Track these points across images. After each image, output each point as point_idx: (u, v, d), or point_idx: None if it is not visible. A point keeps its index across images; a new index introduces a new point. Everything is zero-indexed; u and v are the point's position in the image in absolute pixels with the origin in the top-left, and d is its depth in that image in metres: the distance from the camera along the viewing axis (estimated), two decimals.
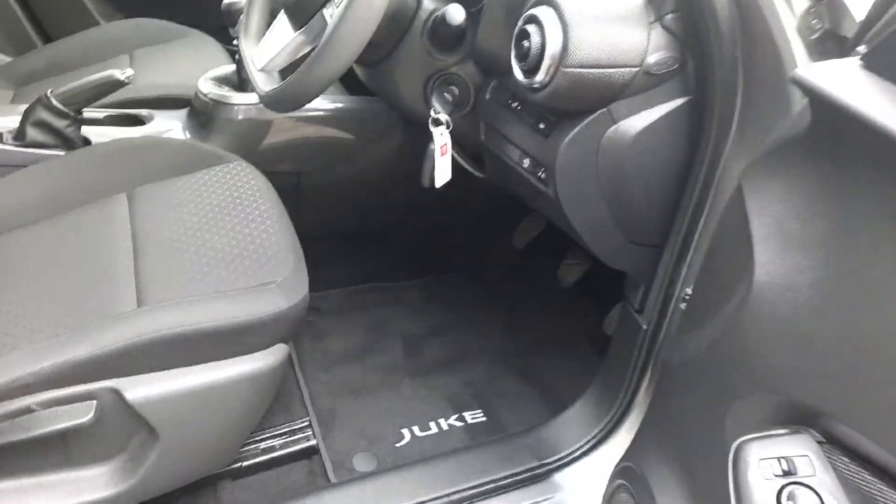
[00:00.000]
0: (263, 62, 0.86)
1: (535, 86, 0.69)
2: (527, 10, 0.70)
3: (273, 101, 0.80)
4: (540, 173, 0.77)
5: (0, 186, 0.99)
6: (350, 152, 1.28)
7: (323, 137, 1.23)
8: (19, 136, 1.07)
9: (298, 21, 0.82)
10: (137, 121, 1.21)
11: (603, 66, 0.69)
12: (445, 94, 0.85)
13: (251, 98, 1.19)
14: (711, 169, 0.73)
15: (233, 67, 1.27)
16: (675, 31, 0.71)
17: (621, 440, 0.86)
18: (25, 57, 1.59)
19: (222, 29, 1.80)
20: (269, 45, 0.88)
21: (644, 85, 0.71)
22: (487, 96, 0.85)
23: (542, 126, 0.76)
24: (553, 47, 0.67)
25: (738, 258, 0.53)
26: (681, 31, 0.71)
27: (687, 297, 0.74)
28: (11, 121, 1.10)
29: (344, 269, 1.39)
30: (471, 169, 0.96)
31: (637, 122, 0.74)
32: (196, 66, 1.51)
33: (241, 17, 1.15)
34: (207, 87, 1.21)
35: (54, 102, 1.06)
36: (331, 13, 0.75)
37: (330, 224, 1.35)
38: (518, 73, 0.72)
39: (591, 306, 1.25)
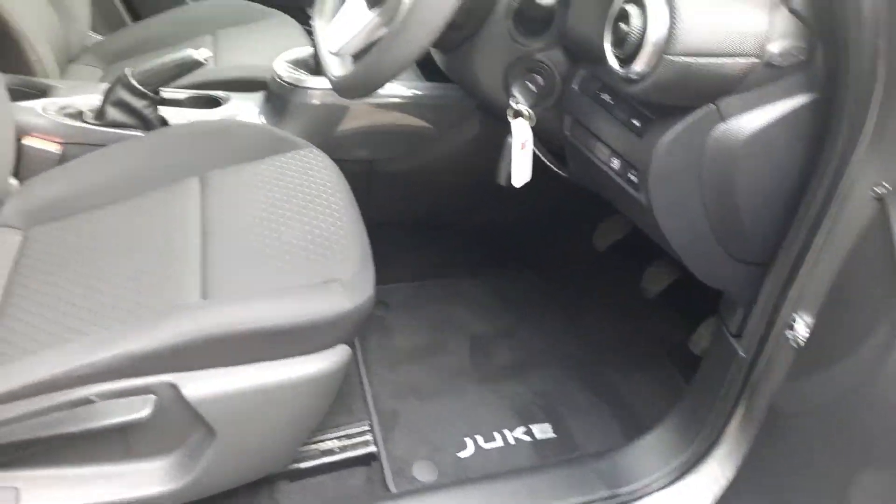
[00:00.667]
0: (336, 45, 0.81)
1: (633, 76, 0.61)
2: None
3: (344, 88, 0.75)
4: (631, 176, 0.68)
5: (77, 166, 1.00)
6: (424, 141, 1.23)
7: (397, 125, 1.19)
8: (99, 115, 1.08)
9: (373, 0, 0.77)
10: (215, 102, 1.20)
11: (715, 55, 0.60)
12: (528, 83, 0.77)
13: (327, 83, 1.15)
14: (836, 178, 0.63)
15: (310, 50, 1.24)
16: (805, 15, 0.61)
17: (704, 478, 0.76)
18: (115, 35, 1.62)
19: (304, 11, 1.80)
20: (342, 26, 0.83)
21: (763, 78, 0.61)
22: (575, 87, 0.77)
23: (636, 122, 0.67)
24: (656, 32, 0.58)
25: (879, 289, 0.44)
26: (811, 15, 0.61)
27: (793, 324, 0.64)
28: (94, 99, 1.11)
29: (411, 262, 1.35)
30: (552, 165, 0.88)
31: (751, 122, 0.64)
32: (276, 48, 1.49)
33: None
34: (283, 70, 1.18)
35: (133, 82, 1.06)
36: None
37: (399, 214, 1.31)
38: (612, 62, 0.63)
39: (676, 320, 1.15)
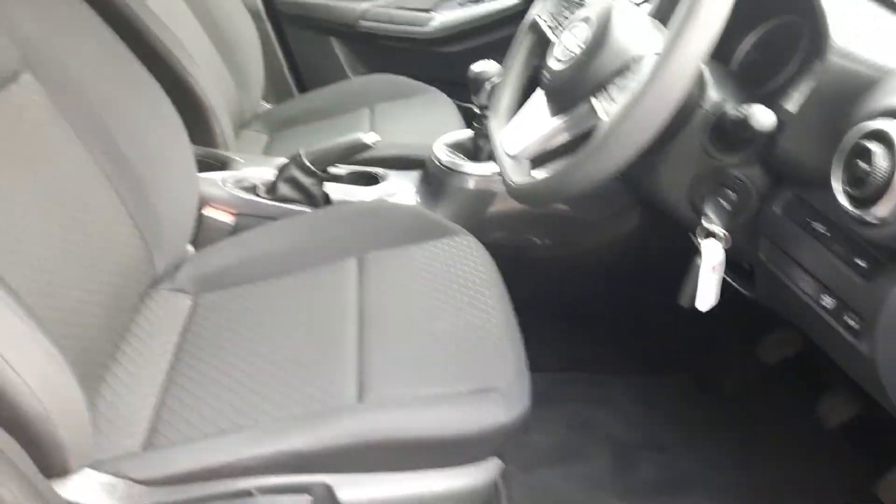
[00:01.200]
0: (514, 148, 0.79)
1: (871, 220, 0.54)
2: (868, 121, 0.56)
3: (526, 196, 0.73)
4: (849, 320, 0.60)
5: (247, 237, 1.06)
6: (578, 229, 1.19)
7: (553, 211, 1.17)
8: (271, 189, 1.14)
9: (559, 106, 0.75)
10: (374, 179, 1.24)
11: None
12: (721, 199, 0.72)
13: (483, 168, 1.16)
14: None
15: (468, 133, 1.25)
16: None
17: None
18: (282, 105, 1.74)
19: (457, 85, 1.85)
20: (521, 128, 0.82)
21: None
22: (777, 210, 0.70)
23: (861, 263, 0.59)
24: None
25: None
26: None
27: None
28: (267, 173, 1.18)
29: (554, 352, 1.29)
30: (737, 286, 0.81)
31: None
32: (431, 125, 1.54)
33: (486, 84, 1.14)
34: (442, 153, 1.20)
35: (305, 162, 1.11)
36: (604, 107, 0.67)
37: (545, 300, 1.27)
38: (843, 200, 0.56)
39: (860, 459, 1.01)
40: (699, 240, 0.70)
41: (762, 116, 0.62)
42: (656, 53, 0.68)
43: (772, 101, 0.70)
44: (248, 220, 1.12)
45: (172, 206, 0.97)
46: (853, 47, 0.64)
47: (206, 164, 1.17)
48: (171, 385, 0.81)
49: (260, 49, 1.63)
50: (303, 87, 1.86)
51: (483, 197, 1.17)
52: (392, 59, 1.84)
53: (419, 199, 1.21)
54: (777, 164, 0.69)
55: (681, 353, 1.26)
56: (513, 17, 1.78)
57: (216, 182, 1.13)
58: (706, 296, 0.70)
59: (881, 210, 0.53)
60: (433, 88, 1.69)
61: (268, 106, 1.75)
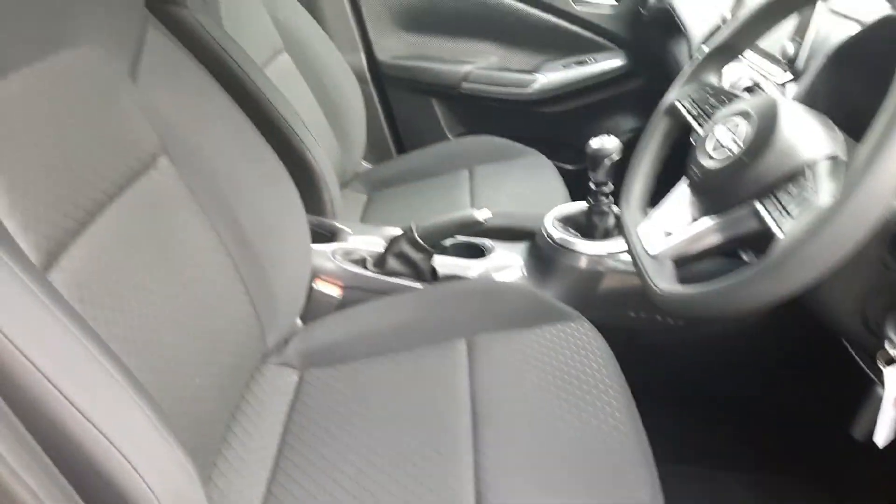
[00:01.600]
0: (655, 247, 0.74)
1: None
2: None
3: (676, 308, 0.67)
4: None
5: (355, 313, 1.04)
6: None
7: None
8: (380, 263, 1.12)
9: (711, 206, 0.69)
10: (479, 251, 1.20)
11: None
12: None
13: (597, 247, 1.10)
14: None
15: (580, 207, 1.20)
16: None
17: None
18: (382, 165, 1.74)
19: (556, 144, 1.82)
20: (662, 224, 0.77)
21: None
22: None
23: None
24: None
25: None
26: None
27: None
28: (376, 244, 1.17)
29: (668, 442, 1.20)
30: None
31: None
32: (533, 190, 1.51)
33: (606, 160, 1.08)
34: (552, 229, 1.15)
35: (416, 237, 1.09)
36: (774, 217, 0.60)
37: (659, 385, 1.19)
38: None
39: None
40: (881, 366, 0.62)
41: None
42: (830, 158, 0.61)
43: None
44: (355, 293, 1.10)
45: (287, 281, 0.97)
46: None
47: (316, 234, 1.16)
48: (279, 474, 0.79)
49: (363, 110, 1.65)
50: (401, 147, 1.87)
51: (596, 276, 1.11)
52: (491, 119, 1.83)
53: (526, 274, 1.16)
54: None
55: (802, 448, 1.14)
56: (615, 80, 1.74)
57: (326, 254, 1.13)
58: (886, 430, 0.61)
59: None
60: (533, 150, 1.65)
61: (367, 166, 1.76)
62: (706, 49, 1.12)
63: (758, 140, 0.64)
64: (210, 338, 0.79)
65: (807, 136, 0.63)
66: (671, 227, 0.76)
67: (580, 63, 1.74)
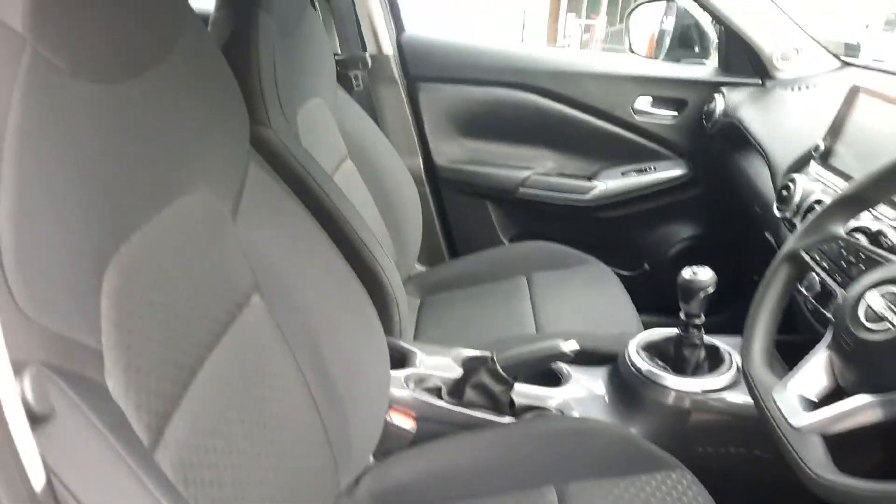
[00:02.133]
0: (798, 419, 0.67)
1: None
2: None
3: (838, 498, 0.59)
4: None
5: (433, 450, 0.97)
6: None
7: None
8: (457, 393, 1.05)
9: (874, 382, 0.63)
10: (556, 377, 1.13)
11: None
12: None
13: (690, 384, 1.03)
14: None
15: (666, 334, 1.13)
16: None
17: None
18: (436, 269, 1.70)
19: (612, 250, 1.78)
20: (802, 390, 0.70)
21: None
22: None
23: None
24: None
25: None
26: None
27: None
28: (445, 367, 1.11)
29: None
30: None
31: None
32: (599, 304, 1.44)
33: (701, 293, 1.03)
34: (638, 359, 1.09)
35: (498, 369, 1.02)
36: None
37: None
38: None
39: None
40: None
41: None
42: None
43: None
44: (430, 425, 1.03)
45: (364, 419, 0.90)
46: None
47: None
48: None
49: (420, 213, 1.62)
50: (454, 250, 1.84)
51: (686, 412, 1.04)
52: (545, 223, 1.80)
53: (608, 401, 1.09)
54: None
55: None
56: (675, 187, 1.71)
57: (399, 381, 1.06)
58: None
59: None
60: (592, 258, 1.61)
61: (421, 268, 1.72)
62: (798, 178, 1.10)
63: None
64: (283, 478, 0.72)
65: None
66: (812, 394, 0.69)
67: (640, 171, 1.72)
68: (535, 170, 1.75)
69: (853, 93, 1.04)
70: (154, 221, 0.59)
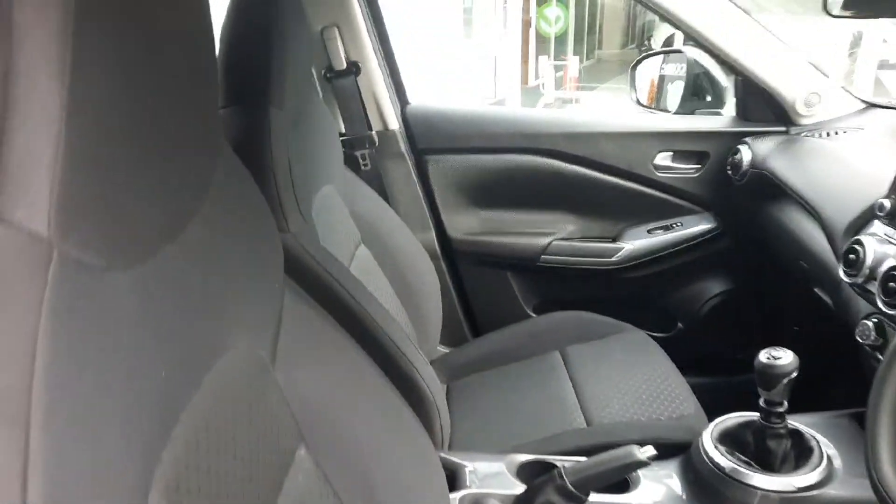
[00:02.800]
0: None
1: None
2: None
3: None
4: None
5: None
6: None
7: None
8: None
9: None
10: (623, 481, 1.02)
11: None
12: None
13: (781, 483, 0.92)
14: None
15: (744, 419, 1.03)
16: None
17: None
18: (460, 349, 1.59)
19: (643, 311, 1.69)
20: None
21: None
22: None
23: None
24: None
25: None
26: None
27: None
28: (500, 480, 0.99)
29: None
30: None
31: None
32: (646, 378, 1.33)
33: (785, 380, 0.93)
34: (716, 453, 0.98)
35: (567, 484, 0.90)
36: None
37: None
38: None
39: None
40: None
41: None
42: None
43: None
44: None
45: None
46: None
47: None
48: None
49: (439, 290, 1.52)
50: (475, 327, 1.73)
51: None
52: (572, 291, 1.70)
53: (686, 500, 0.98)
54: None
55: None
56: (704, 243, 1.63)
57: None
58: None
59: None
60: (626, 325, 1.51)
61: (444, 350, 1.60)
62: (865, 241, 1.01)
63: None
64: None
65: None
66: None
67: (666, 228, 1.63)
68: (557, 235, 1.66)
69: None
70: (195, 399, 0.48)
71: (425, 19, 7.63)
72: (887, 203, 1.00)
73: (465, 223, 1.67)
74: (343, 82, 1.48)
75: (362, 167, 1.53)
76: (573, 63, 10.12)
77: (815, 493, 0.91)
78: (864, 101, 1.49)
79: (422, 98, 1.73)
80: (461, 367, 1.52)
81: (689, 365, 1.54)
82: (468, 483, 0.99)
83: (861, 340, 1.02)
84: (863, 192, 1.09)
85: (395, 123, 1.57)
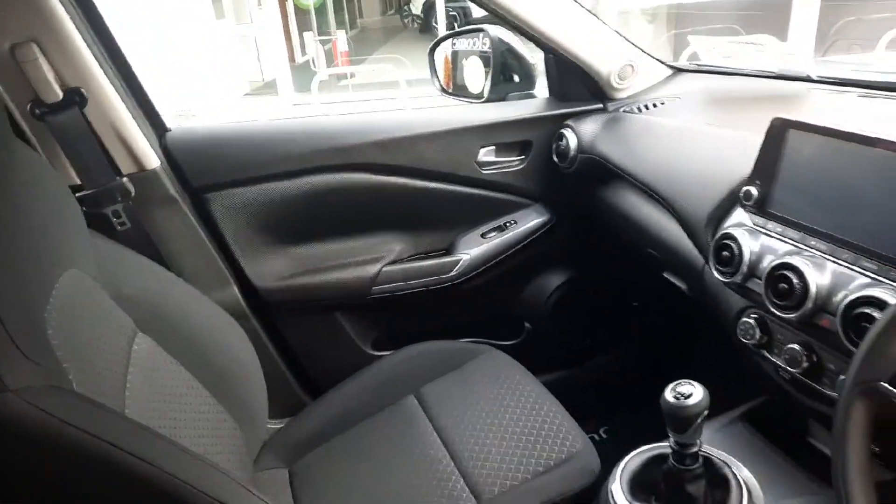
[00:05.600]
0: None
1: None
2: None
3: None
4: None
5: None
6: None
7: None
8: None
9: None
10: None
11: None
12: None
13: None
14: None
15: (646, 458, 0.89)
16: None
17: None
18: (297, 420, 1.29)
19: (490, 321, 1.53)
20: None
21: None
22: None
23: None
24: None
25: None
26: None
27: None
28: None
29: None
30: None
31: None
32: (517, 407, 1.17)
33: (698, 419, 0.80)
34: (622, 498, 0.84)
35: None
36: None
37: None
38: None
39: None
40: None
41: None
42: None
43: None
44: None
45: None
46: None
47: None
48: None
49: (256, 359, 1.20)
50: (311, 387, 1.44)
51: None
52: (412, 317, 1.48)
53: None
54: None
55: None
56: (538, 238, 1.50)
57: None
58: None
59: None
60: (482, 347, 1.34)
61: (278, 425, 1.30)
62: (737, 234, 0.92)
63: None
64: None
65: None
66: None
67: (500, 228, 1.47)
68: (385, 259, 1.41)
69: (779, 130, 0.88)
70: None
71: (163, 5, 6.75)
72: (754, 191, 0.91)
73: (273, 267, 1.35)
74: (62, 119, 1.05)
75: (118, 228, 1.13)
76: (341, 37, 9.73)
77: None
78: (670, 67, 1.44)
79: (184, 101, 1.35)
80: (303, 443, 1.23)
81: (543, 364, 1.43)
82: None
83: (745, 340, 0.94)
84: (715, 178, 1.01)
85: (153, 161, 1.18)
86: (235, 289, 1.31)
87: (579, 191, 1.41)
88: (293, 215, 1.33)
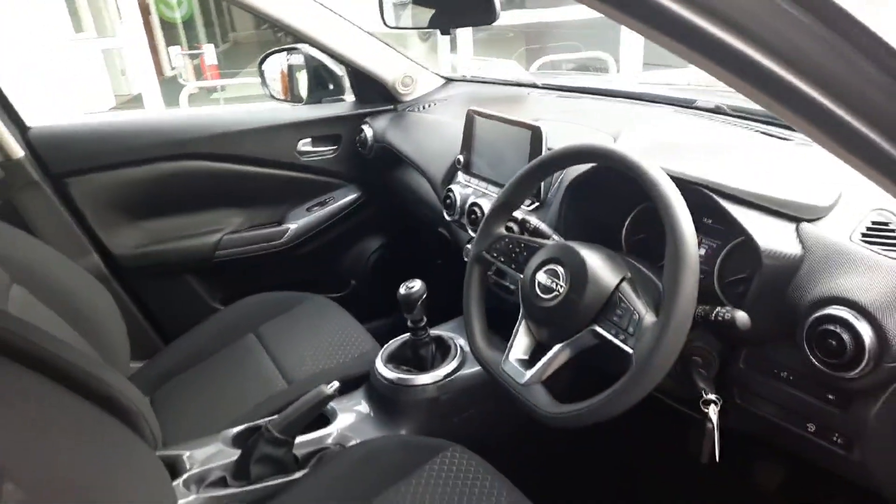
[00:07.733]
0: (522, 377, 0.90)
1: (848, 377, 0.74)
2: (817, 313, 0.75)
3: (569, 423, 0.83)
4: (836, 439, 0.80)
5: None
6: None
7: None
8: (241, 474, 1.07)
9: (557, 335, 0.88)
10: (323, 416, 1.22)
11: None
12: (700, 369, 0.90)
13: (432, 376, 1.22)
14: None
15: (401, 341, 1.31)
16: None
17: None
18: (154, 360, 1.61)
19: (318, 283, 1.90)
20: (517, 355, 0.93)
21: None
22: (741, 366, 0.90)
23: (831, 396, 0.80)
24: (870, 347, 0.71)
25: None
26: None
27: None
28: (217, 453, 1.11)
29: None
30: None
31: None
32: (330, 333, 1.55)
33: (419, 303, 1.22)
34: (386, 371, 1.24)
35: (275, 434, 1.07)
36: (614, 337, 0.81)
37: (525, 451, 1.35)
38: (822, 367, 0.74)
39: None
40: (705, 409, 0.86)
41: (743, 319, 0.81)
42: (626, 279, 0.84)
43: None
44: None
45: None
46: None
47: None
48: None
49: (116, 310, 1.51)
50: (167, 336, 1.75)
51: (436, 397, 1.23)
52: (253, 279, 1.83)
53: (373, 415, 1.23)
54: (735, 338, 0.89)
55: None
56: (355, 210, 1.91)
57: (180, 489, 1.04)
58: (716, 451, 0.86)
59: (854, 372, 0.74)
60: (307, 294, 1.71)
61: (138, 365, 1.61)
62: (454, 188, 1.37)
63: (576, 280, 0.84)
64: None
65: (605, 267, 0.85)
66: (525, 355, 0.93)
67: (322, 204, 1.87)
68: (226, 230, 1.77)
69: (470, 118, 1.34)
70: None
71: (12, 21, 6.54)
72: (462, 157, 1.37)
73: (131, 238, 1.67)
74: None
75: None
76: (209, 50, 9.75)
77: (456, 375, 1.23)
78: (443, 77, 1.90)
79: (48, 116, 1.63)
80: (160, 377, 1.55)
81: (368, 314, 1.82)
82: (188, 467, 1.09)
83: (466, 259, 1.39)
84: (449, 151, 1.46)
85: (18, 151, 1.48)
86: (97, 257, 1.62)
87: (379, 173, 1.84)
88: (144, 195, 1.66)
